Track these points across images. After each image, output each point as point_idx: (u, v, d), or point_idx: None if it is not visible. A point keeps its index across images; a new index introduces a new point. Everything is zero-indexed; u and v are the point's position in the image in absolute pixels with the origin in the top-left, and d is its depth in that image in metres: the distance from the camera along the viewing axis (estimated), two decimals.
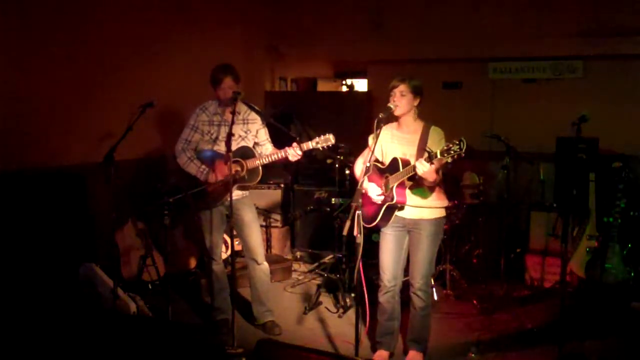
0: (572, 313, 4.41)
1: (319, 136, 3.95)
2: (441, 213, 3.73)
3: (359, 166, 3.90)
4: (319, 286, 5.12)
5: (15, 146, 4.38)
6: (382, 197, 3.63)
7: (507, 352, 4.08)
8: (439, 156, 3.20)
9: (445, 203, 3.76)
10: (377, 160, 3.79)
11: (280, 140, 4.36)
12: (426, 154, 3.30)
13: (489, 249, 5.54)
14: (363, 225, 3.31)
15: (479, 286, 5.25)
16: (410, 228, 3.71)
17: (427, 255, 3.69)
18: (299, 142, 3.97)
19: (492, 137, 5.14)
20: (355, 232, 3.22)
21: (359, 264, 3.27)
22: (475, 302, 4.88)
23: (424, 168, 3.29)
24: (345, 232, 3.29)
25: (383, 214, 3.64)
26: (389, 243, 3.75)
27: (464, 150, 3.10)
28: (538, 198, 5.98)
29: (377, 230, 3.82)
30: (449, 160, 3.17)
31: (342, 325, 4.55)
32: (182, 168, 4.22)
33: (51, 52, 4.62)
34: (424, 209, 3.65)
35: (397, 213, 3.66)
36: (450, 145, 3.14)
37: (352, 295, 4.79)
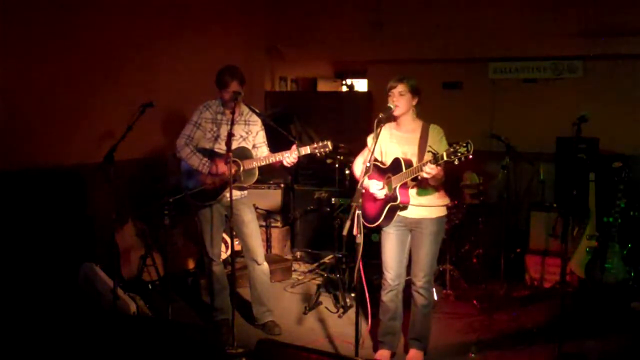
0: (572, 313, 4.42)
1: (317, 142, 3.96)
2: (443, 212, 3.74)
3: (358, 166, 3.90)
4: (319, 286, 5.12)
5: (16, 146, 4.38)
6: (384, 191, 3.63)
7: (507, 352, 4.08)
8: (445, 158, 3.20)
9: (447, 201, 3.78)
10: (376, 160, 3.79)
11: (279, 141, 4.36)
12: (432, 156, 3.30)
13: (489, 249, 5.53)
14: (365, 225, 3.31)
15: (479, 286, 5.25)
16: (413, 227, 3.72)
17: (430, 253, 3.70)
18: (298, 146, 3.98)
19: (492, 137, 5.14)
20: (355, 232, 3.22)
21: (359, 264, 3.27)
22: (475, 302, 4.88)
23: (432, 171, 3.30)
24: (345, 232, 3.29)
25: (386, 214, 3.64)
26: (391, 242, 3.75)
27: (471, 152, 3.10)
28: (538, 198, 5.98)
29: (377, 230, 3.82)
30: (456, 162, 3.18)
31: (342, 325, 4.55)
32: (183, 160, 4.22)
33: (51, 52, 4.62)
34: (426, 208, 3.66)
35: (399, 212, 3.67)
36: (457, 147, 3.15)
37: (352, 295, 4.79)
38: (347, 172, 5.45)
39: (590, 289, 4.77)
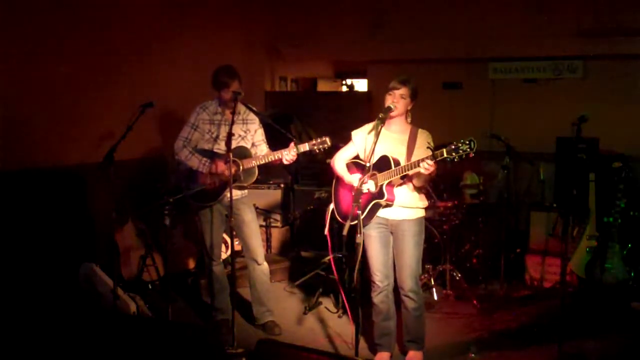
0: (572, 313, 4.41)
1: (315, 139, 3.96)
2: (422, 213, 3.75)
3: (339, 161, 3.87)
4: (319, 286, 5.12)
5: (16, 146, 4.38)
6: (369, 185, 3.59)
7: (507, 352, 4.08)
8: (445, 155, 3.20)
9: (426, 203, 3.78)
10: (358, 158, 3.81)
11: (278, 140, 4.36)
12: (431, 152, 3.29)
13: (489, 249, 5.53)
14: (344, 222, 3.30)
15: (479, 286, 5.25)
16: (393, 229, 3.72)
17: (414, 256, 3.69)
18: (296, 144, 3.98)
19: (492, 137, 5.14)
20: (325, 229, 3.23)
21: (357, 265, 3.26)
22: (475, 302, 4.88)
23: (430, 167, 3.30)
24: (345, 232, 3.29)
25: (369, 210, 3.63)
26: (375, 244, 3.74)
27: (474, 150, 3.10)
28: (538, 198, 5.98)
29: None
30: (456, 159, 3.17)
31: (342, 325, 4.55)
32: (183, 162, 4.22)
33: (51, 52, 4.62)
34: (406, 209, 3.66)
35: (379, 214, 3.66)
36: (459, 145, 3.14)
37: (352, 295, 4.79)
38: None
39: (590, 289, 4.78)
